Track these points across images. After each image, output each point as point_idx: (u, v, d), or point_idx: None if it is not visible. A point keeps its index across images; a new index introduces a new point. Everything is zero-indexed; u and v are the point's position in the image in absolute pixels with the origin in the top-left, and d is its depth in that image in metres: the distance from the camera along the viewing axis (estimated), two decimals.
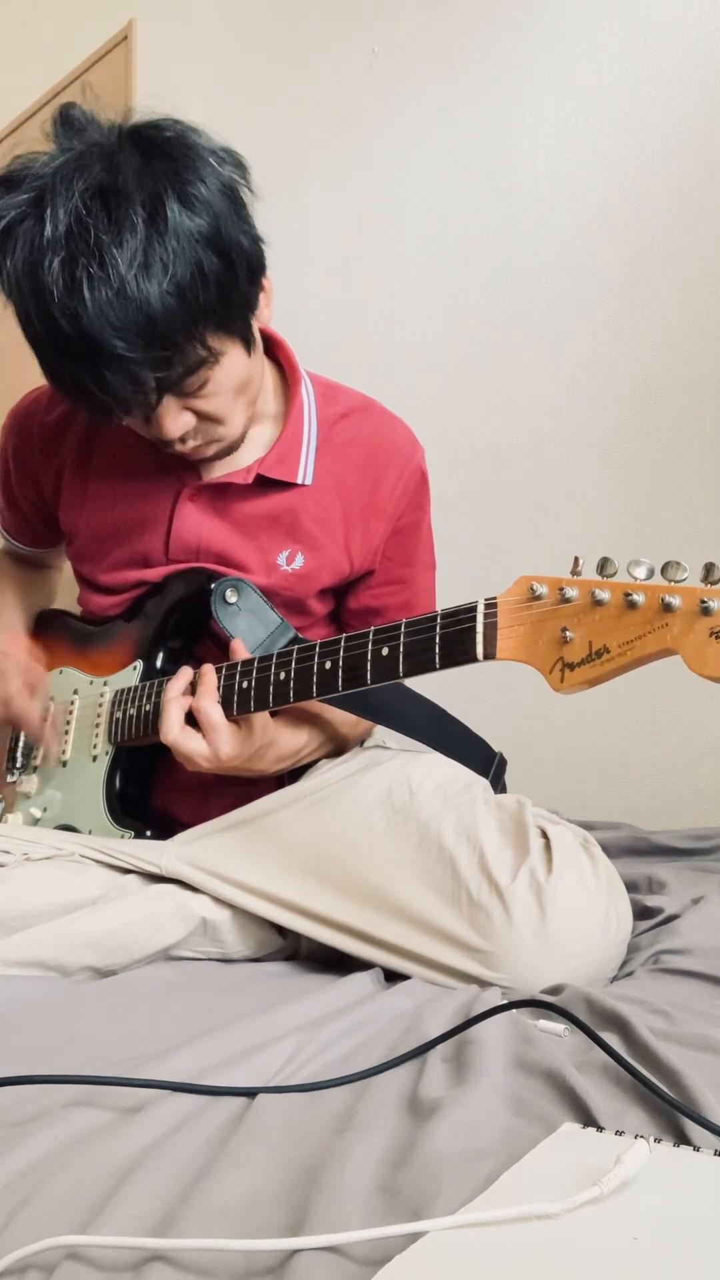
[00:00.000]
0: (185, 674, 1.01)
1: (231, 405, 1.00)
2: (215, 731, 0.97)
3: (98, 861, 1.00)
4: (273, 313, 1.03)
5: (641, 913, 0.99)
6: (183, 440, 1.00)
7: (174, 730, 0.98)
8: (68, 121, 0.91)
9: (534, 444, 1.70)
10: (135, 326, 0.86)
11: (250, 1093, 0.60)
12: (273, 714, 1.05)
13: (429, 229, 1.87)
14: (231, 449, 1.07)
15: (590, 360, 1.64)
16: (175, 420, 0.97)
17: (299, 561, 1.11)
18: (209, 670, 1.00)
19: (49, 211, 0.86)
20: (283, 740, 1.05)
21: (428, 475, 1.19)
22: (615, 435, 1.61)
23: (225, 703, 0.97)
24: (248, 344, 0.99)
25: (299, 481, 1.10)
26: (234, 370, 0.98)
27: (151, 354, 0.88)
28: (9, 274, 0.89)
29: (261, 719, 1.00)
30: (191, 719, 0.99)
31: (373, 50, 1.95)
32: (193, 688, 1.00)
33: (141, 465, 1.13)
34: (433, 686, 1.16)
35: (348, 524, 1.13)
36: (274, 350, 1.15)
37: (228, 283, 0.91)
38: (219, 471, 1.11)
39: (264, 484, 1.10)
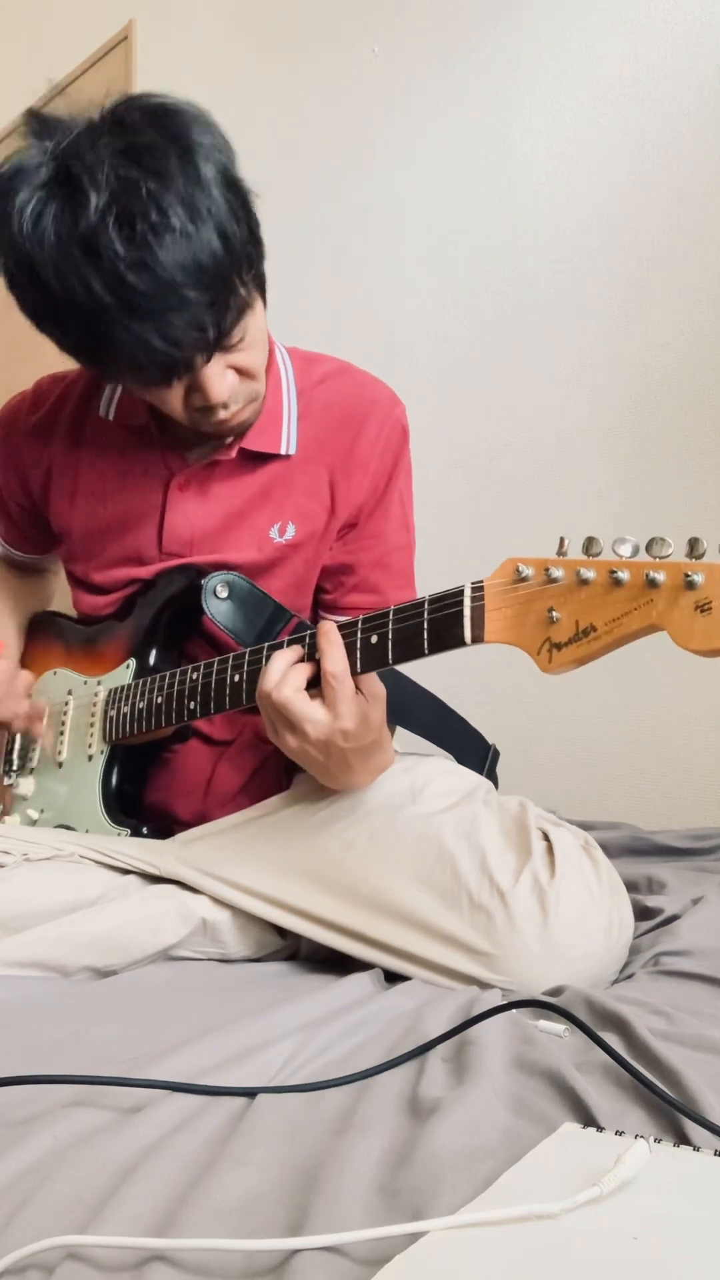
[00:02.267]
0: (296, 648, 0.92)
1: (261, 357, 1.01)
2: (344, 702, 0.86)
3: (97, 862, 1.00)
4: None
5: (641, 913, 0.99)
6: (225, 405, 1.00)
7: (288, 690, 0.87)
8: (43, 121, 0.90)
9: (534, 444, 1.70)
10: (200, 269, 0.87)
11: (250, 1093, 0.60)
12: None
13: (429, 229, 1.87)
14: (260, 407, 1.07)
15: (590, 360, 1.64)
16: (222, 380, 0.97)
17: (290, 532, 1.10)
18: (333, 629, 0.88)
19: (86, 180, 0.85)
20: (374, 714, 0.90)
21: (409, 431, 1.17)
22: (615, 435, 1.61)
23: (230, 697, 0.97)
24: (264, 293, 1.01)
25: (282, 452, 1.09)
26: (260, 320, 0.99)
27: (213, 295, 0.89)
28: (49, 258, 0.87)
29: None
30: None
31: (373, 50, 1.95)
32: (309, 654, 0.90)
33: (129, 461, 1.13)
34: (434, 685, 1.16)
35: (332, 483, 1.11)
36: None
37: (250, 221, 0.93)
38: (202, 454, 1.11)
39: (249, 459, 1.09)
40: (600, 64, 1.63)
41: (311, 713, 0.87)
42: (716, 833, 1.27)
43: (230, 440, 1.09)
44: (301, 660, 0.90)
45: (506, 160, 1.75)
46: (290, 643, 0.92)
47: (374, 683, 0.90)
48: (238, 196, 0.91)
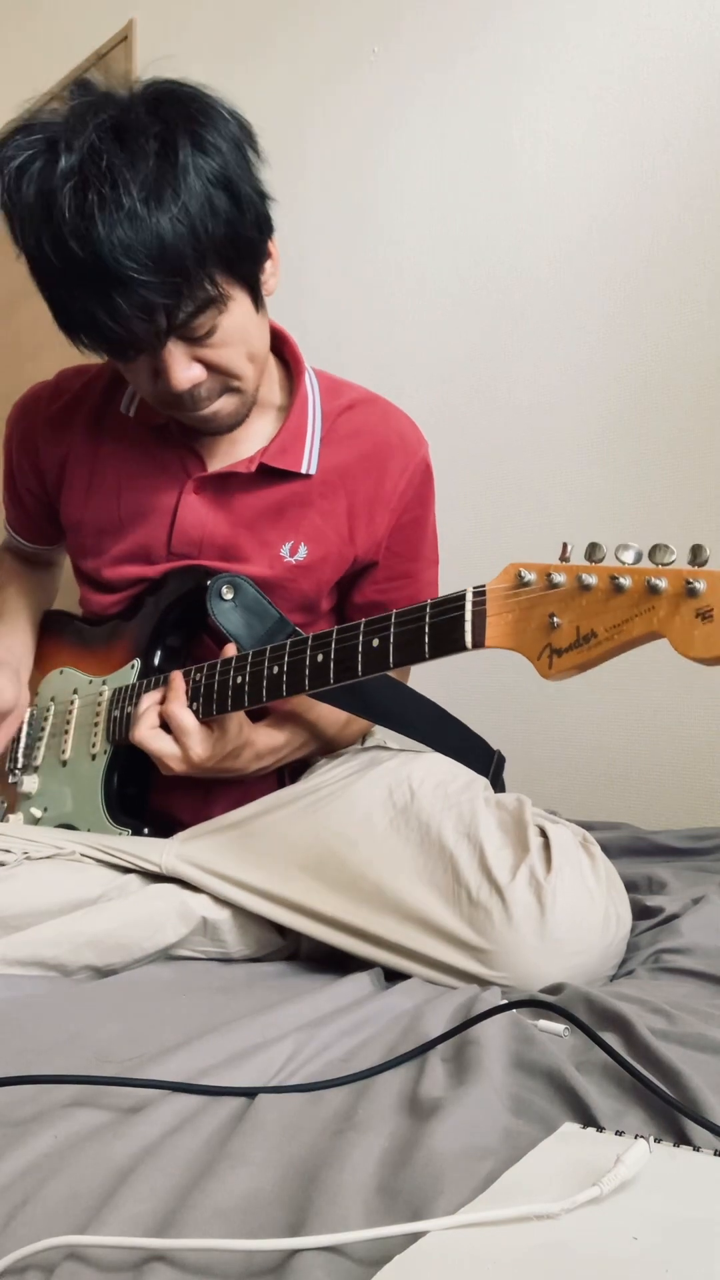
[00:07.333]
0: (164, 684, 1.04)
1: (241, 361, 1.01)
2: (186, 735, 0.99)
3: (98, 860, 1.00)
4: (278, 283, 1.05)
5: (641, 912, 0.99)
6: (194, 398, 1.00)
7: (142, 729, 1.01)
8: (84, 85, 0.94)
9: (534, 443, 1.70)
10: (146, 249, 0.88)
11: (250, 1093, 0.60)
12: (253, 715, 1.06)
13: (429, 228, 1.87)
14: (244, 407, 1.06)
15: (590, 359, 1.64)
16: (184, 369, 0.97)
17: (302, 553, 1.11)
18: (177, 676, 1.02)
19: (63, 146, 0.88)
20: (260, 740, 1.06)
21: (432, 469, 1.19)
22: (615, 435, 1.61)
23: (220, 698, 0.97)
24: (255, 298, 1.00)
25: (302, 471, 1.10)
26: (242, 322, 0.99)
27: (162, 280, 0.90)
28: (21, 211, 0.91)
29: (236, 720, 1.01)
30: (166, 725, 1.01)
31: (373, 50, 1.95)
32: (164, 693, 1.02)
33: (147, 459, 1.14)
34: (433, 686, 1.16)
35: (352, 515, 1.13)
36: (279, 346, 1.16)
37: (237, 223, 0.93)
38: (222, 462, 1.11)
39: (268, 475, 1.10)
40: (600, 64, 1.63)
41: (166, 748, 1.00)
42: (716, 833, 1.27)
43: (251, 455, 1.09)
44: (164, 701, 1.01)
45: (506, 160, 1.75)
46: (152, 685, 1.06)
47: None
48: (229, 194, 0.92)
